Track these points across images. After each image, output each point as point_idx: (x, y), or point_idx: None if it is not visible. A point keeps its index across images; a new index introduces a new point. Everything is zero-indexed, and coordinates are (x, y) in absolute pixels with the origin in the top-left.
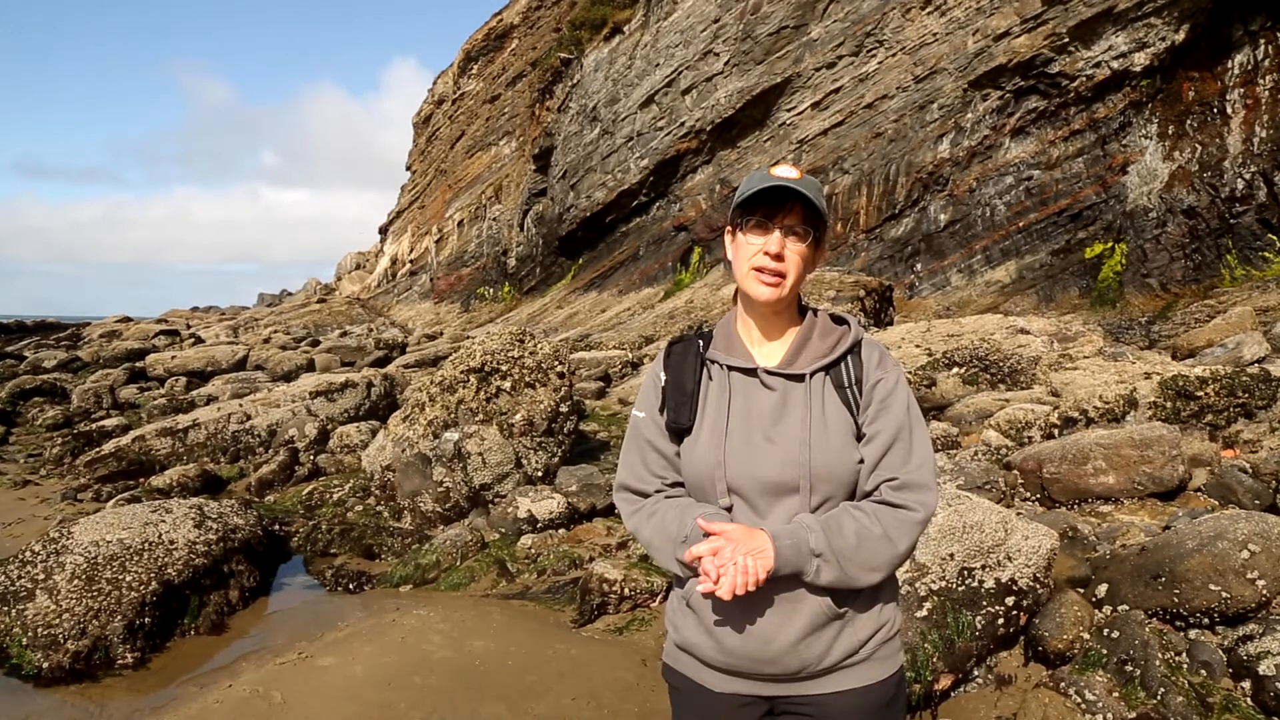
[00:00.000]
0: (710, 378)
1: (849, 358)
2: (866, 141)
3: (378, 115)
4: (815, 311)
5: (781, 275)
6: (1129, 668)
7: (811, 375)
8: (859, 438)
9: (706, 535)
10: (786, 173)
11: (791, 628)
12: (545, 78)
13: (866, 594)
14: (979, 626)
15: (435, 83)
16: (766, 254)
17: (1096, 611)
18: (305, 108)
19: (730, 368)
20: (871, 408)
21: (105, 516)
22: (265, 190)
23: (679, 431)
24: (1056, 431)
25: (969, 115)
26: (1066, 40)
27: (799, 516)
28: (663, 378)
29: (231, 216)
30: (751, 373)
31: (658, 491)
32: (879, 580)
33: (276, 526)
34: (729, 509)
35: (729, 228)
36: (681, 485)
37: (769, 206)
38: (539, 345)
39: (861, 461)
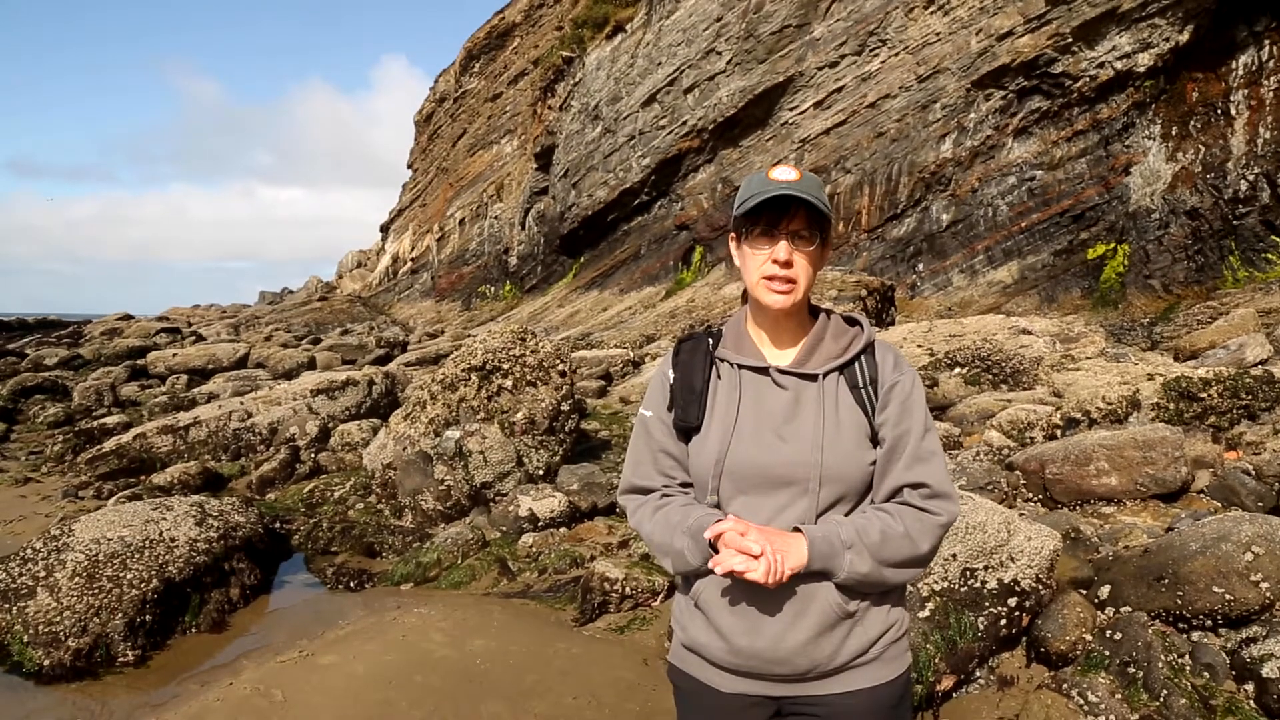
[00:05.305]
0: (719, 376)
1: (863, 358)
2: (869, 141)
3: (369, 113)
4: (828, 313)
5: (792, 281)
6: (1131, 669)
7: (825, 375)
8: (873, 439)
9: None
10: (785, 174)
11: (802, 627)
12: (547, 76)
13: (876, 593)
14: (981, 627)
15: (437, 81)
16: (775, 262)
17: (1099, 613)
18: (296, 106)
19: (741, 366)
20: (889, 410)
21: (106, 514)
22: (260, 188)
23: (687, 430)
24: (1059, 432)
25: (972, 115)
26: (1070, 40)
27: (826, 515)
28: (671, 376)
29: (228, 215)
30: (763, 371)
31: (664, 487)
32: (902, 581)
33: (277, 524)
34: (717, 505)
35: (733, 235)
36: (690, 486)
37: (772, 214)
38: (540, 343)
39: (873, 463)
